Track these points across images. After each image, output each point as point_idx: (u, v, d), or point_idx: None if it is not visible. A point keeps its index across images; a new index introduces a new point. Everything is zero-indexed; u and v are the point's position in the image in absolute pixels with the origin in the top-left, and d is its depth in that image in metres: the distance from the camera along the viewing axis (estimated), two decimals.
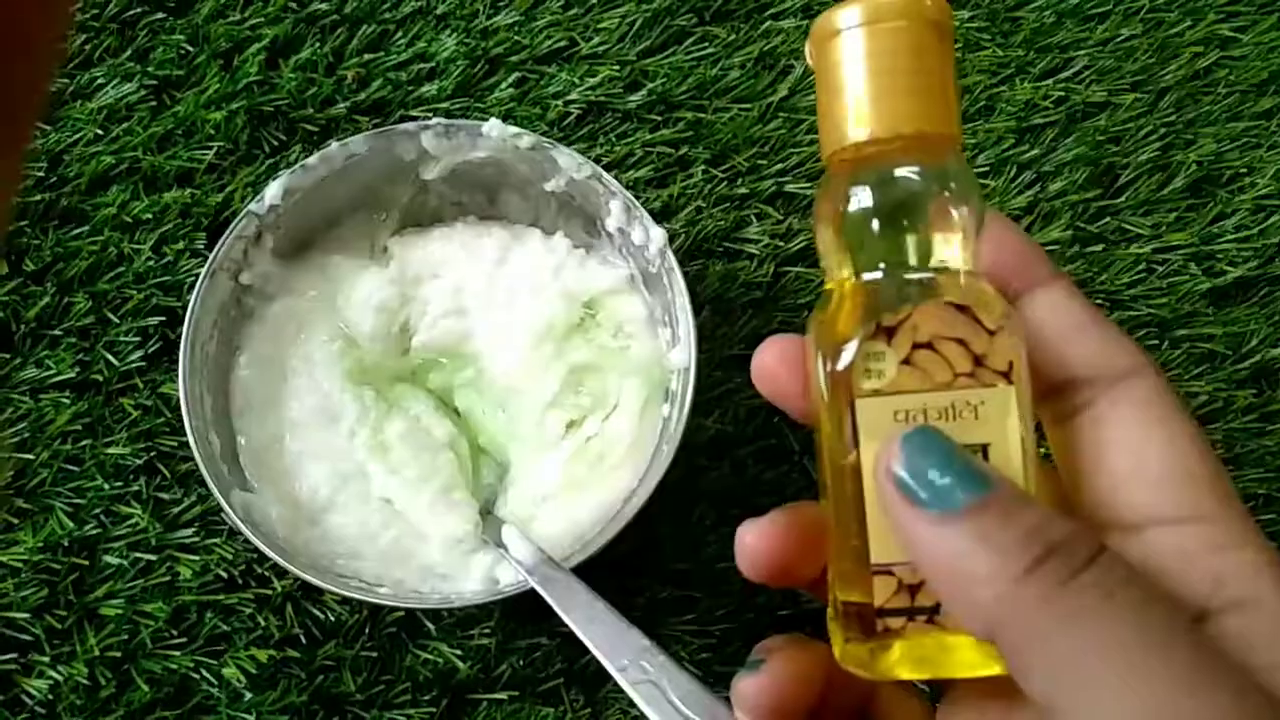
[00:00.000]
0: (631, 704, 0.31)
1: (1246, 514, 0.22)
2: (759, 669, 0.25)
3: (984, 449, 0.23)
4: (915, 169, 0.23)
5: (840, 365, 0.23)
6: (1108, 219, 0.49)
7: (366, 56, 0.49)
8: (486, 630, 0.41)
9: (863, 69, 0.23)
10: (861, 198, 0.23)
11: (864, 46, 0.23)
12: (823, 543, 0.25)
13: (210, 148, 0.47)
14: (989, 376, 0.23)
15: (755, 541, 0.25)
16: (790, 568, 0.25)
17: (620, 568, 0.42)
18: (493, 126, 0.41)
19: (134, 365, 0.43)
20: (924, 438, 0.22)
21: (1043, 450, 0.26)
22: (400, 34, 0.50)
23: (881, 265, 0.24)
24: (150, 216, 0.46)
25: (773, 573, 0.25)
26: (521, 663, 0.41)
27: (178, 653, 0.40)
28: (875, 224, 0.23)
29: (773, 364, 0.25)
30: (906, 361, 0.23)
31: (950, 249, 0.23)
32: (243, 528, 0.36)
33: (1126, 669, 0.18)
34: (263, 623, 0.40)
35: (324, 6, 0.50)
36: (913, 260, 0.23)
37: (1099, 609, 0.19)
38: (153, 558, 0.41)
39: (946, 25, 0.23)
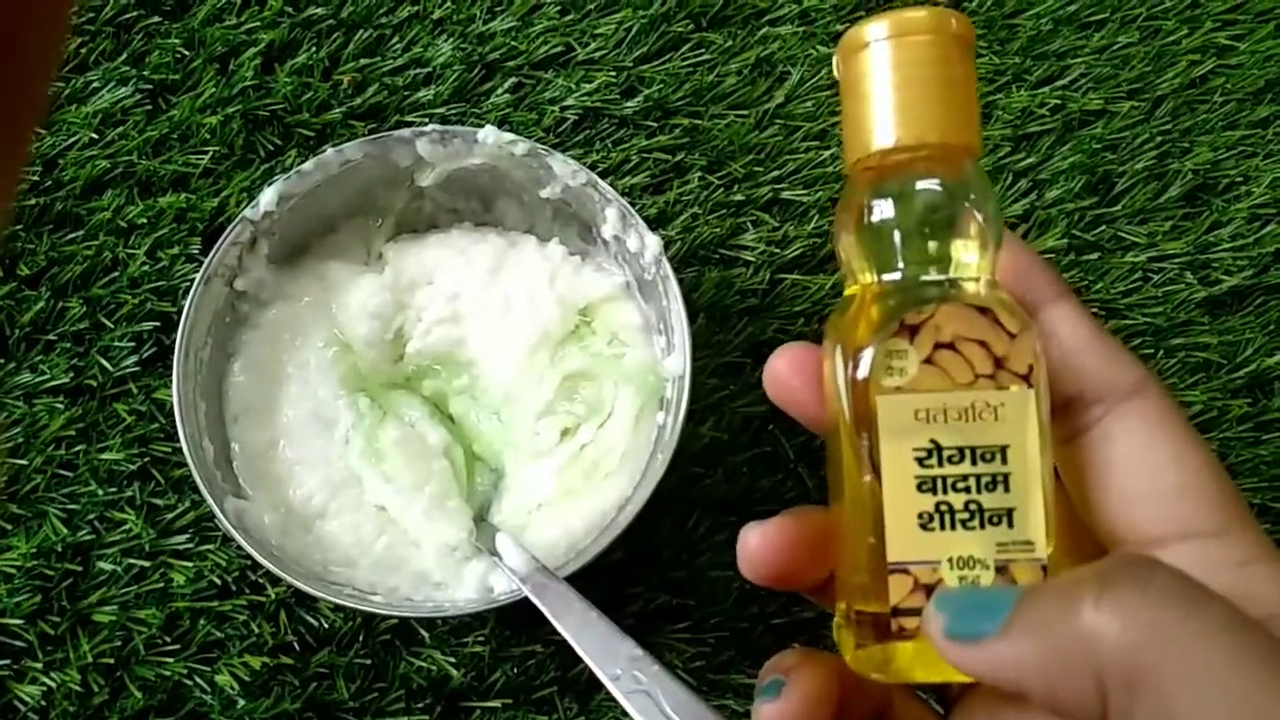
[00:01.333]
0: (625, 713, 0.31)
1: (1259, 527, 0.23)
2: (779, 693, 0.25)
3: (1003, 450, 0.23)
4: (939, 176, 0.24)
5: (862, 361, 0.23)
6: (1103, 227, 0.49)
7: (363, 61, 0.49)
8: (480, 638, 0.41)
9: (889, 80, 0.24)
10: (887, 203, 0.24)
11: (891, 58, 0.24)
12: (826, 549, 0.25)
13: (205, 152, 0.47)
14: (1009, 379, 0.23)
15: (759, 545, 0.25)
16: (793, 573, 0.25)
17: (614, 576, 0.42)
18: (488, 133, 0.41)
19: (128, 370, 0.43)
20: (951, 596, 0.22)
21: None
22: (396, 39, 0.50)
23: (903, 269, 0.24)
24: (145, 221, 0.45)
25: (774, 577, 0.25)
26: (515, 671, 0.41)
27: (171, 659, 0.40)
28: (899, 229, 0.24)
29: (786, 372, 0.25)
30: (928, 361, 0.23)
31: (970, 255, 0.24)
32: (236, 535, 0.36)
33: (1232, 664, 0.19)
34: (256, 630, 0.40)
35: (320, 11, 0.50)
36: (935, 265, 0.24)
37: (1188, 616, 0.19)
38: (146, 564, 0.41)
39: (970, 41, 0.24)
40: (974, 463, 0.23)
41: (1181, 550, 0.22)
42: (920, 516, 0.23)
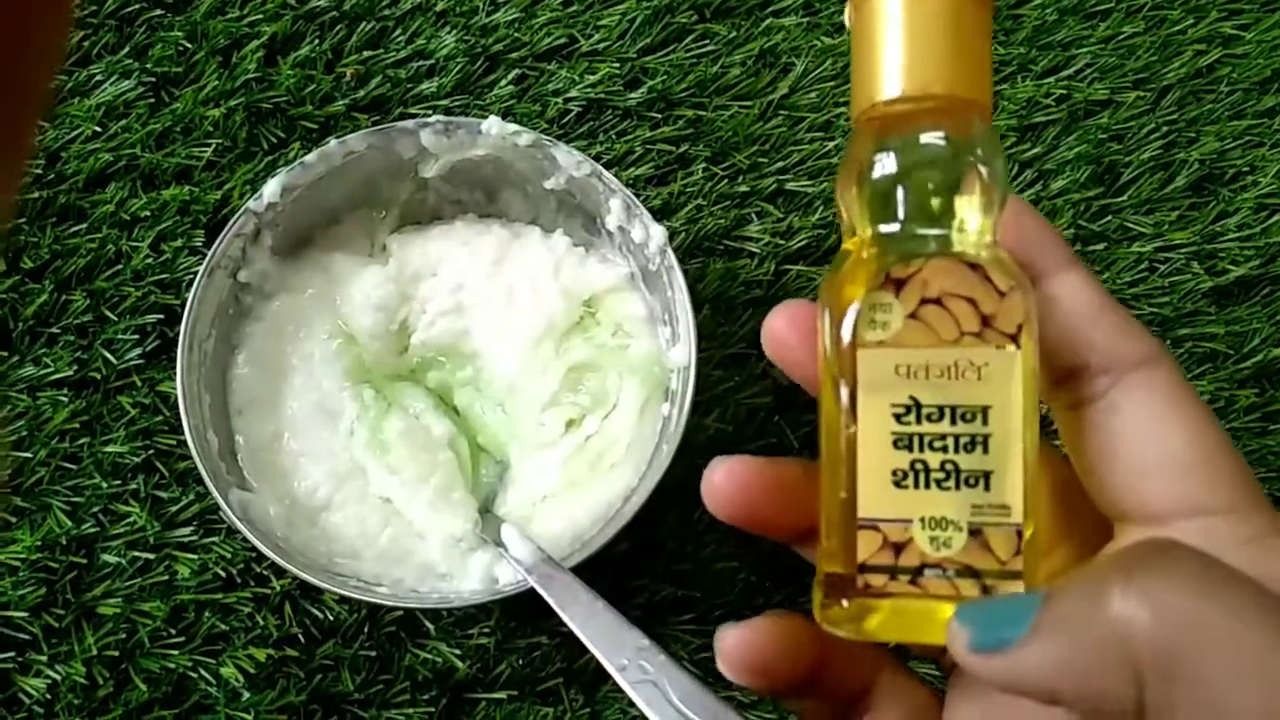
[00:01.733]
0: (631, 704, 0.31)
1: (1268, 504, 0.22)
2: (746, 623, 0.24)
3: (984, 411, 0.22)
4: (942, 130, 0.23)
5: (847, 315, 0.23)
6: (1110, 217, 0.49)
7: (366, 54, 0.49)
8: (485, 630, 0.41)
9: (900, 29, 0.23)
10: (887, 155, 0.23)
11: (903, 7, 0.23)
12: (795, 495, 0.25)
13: (209, 145, 0.47)
14: (996, 338, 0.22)
15: (723, 478, 0.25)
16: (755, 514, 0.25)
17: (620, 567, 0.42)
18: (492, 124, 0.41)
19: (132, 363, 0.43)
20: (973, 609, 0.21)
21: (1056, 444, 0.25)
22: (399, 31, 0.50)
23: (899, 224, 0.23)
24: (148, 214, 0.45)
25: (735, 515, 0.25)
26: (521, 662, 0.41)
27: (176, 652, 0.40)
28: (898, 183, 0.23)
29: (783, 329, 0.25)
30: (913, 316, 0.22)
31: (970, 211, 0.23)
32: (241, 527, 0.36)
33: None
34: (261, 622, 0.40)
35: (323, 3, 0.49)
36: (932, 221, 0.23)
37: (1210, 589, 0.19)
38: (151, 556, 0.41)
39: None
40: (953, 422, 0.22)
41: (1188, 527, 0.22)
42: (894, 473, 0.23)
